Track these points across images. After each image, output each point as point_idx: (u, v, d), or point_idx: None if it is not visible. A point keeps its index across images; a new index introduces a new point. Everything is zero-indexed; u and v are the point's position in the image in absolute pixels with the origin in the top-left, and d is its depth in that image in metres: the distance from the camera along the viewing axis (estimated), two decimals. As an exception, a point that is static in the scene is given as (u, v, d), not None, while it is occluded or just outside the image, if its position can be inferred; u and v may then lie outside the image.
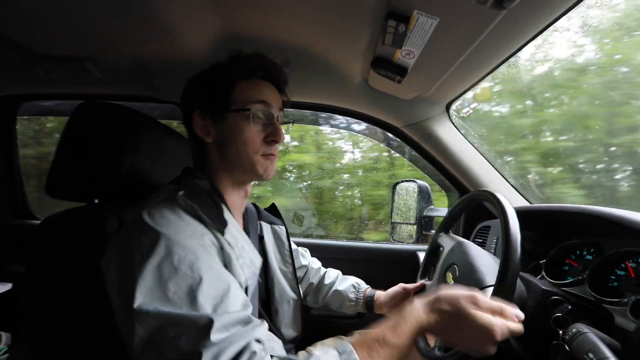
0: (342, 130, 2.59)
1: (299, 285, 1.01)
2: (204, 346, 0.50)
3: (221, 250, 0.66)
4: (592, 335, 0.56)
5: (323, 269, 1.18)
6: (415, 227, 1.44)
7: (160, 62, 1.06)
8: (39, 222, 1.59)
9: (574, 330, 0.58)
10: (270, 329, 0.69)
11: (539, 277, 0.84)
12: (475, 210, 1.35)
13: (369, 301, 1.05)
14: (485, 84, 1.06)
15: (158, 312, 0.52)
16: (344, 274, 1.18)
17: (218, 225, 0.67)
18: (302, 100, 1.33)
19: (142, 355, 0.52)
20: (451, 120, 1.27)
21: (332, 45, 1.00)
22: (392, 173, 2.47)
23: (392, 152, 2.32)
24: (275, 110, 0.79)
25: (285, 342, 0.89)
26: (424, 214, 1.44)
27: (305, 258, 1.17)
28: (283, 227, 1.01)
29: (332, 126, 1.86)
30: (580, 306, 0.67)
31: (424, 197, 1.44)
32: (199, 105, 0.77)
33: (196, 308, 0.53)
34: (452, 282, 0.83)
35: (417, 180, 1.45)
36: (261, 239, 0.95)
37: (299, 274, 1.12)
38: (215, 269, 0.60)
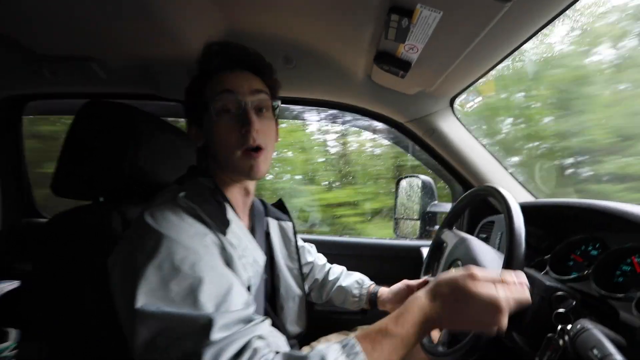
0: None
1: (305, 282, 1.01)
2: (205, 345, 0.50)
3: (223, 250, 0.66)
4: (597, 331, 0.56)
5: (328, 265, 1.18)
6: (418, 222, 1.44)
7: (164, 60, 1.06)
8: (45, 220, 1.61)
9: (578, 326, 0.58)
10: (275, 326, 0.69)
11: (543, 272, 0.83)
12: (479, 206, 1.34)
13: (373, 297, 1.05)
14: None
15: (160, 313, 0.53)
16: (348, 269, 1.18)
17: (220, 225, 0.67)
18: (304, 97, 1.33)
19: (145, 356, 0.53)
20: (455, 115, 1.26)
21: (334, 41, 1.00)
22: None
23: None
24: (245, 95, 0.73)
25: (289, 338, 0.90)
26: (428, 209, 1.44)
27: (312, 254, 1.17)
28: (290, 223, 1.01)
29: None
30: (585, 302, 0.66)
31: (428, 192, 1.43)
32: (187, 115, 0.81)
33: (198, 308, 0.53)
34: None
35: (421, 176, 1.45)
36: (268, 235, 0.95)
37: (305, 270, 1.12)
38: (217, 269, 0.60)
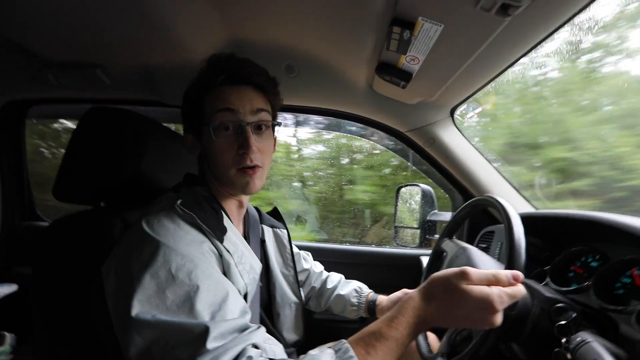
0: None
1: (301, 289, 1.01)
2: (200, 354, 0.50)
3: (220, 257, 0.66)
4: (597, 344, 0.55)
5: (325, 273, 1.18)
6: (418, 231, 1.44)
7: (167, 67, 1.07)
8: (45, 224, 1.61)
9: (578, 339, 0.58)
10: (271, 333, 0.69)
11: (543, 283, 0.83)
12: (479, 216, 1.35)
13: (371, 306, 1.05)
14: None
15: (155, 321, 0.52)
16: (346, 278, 1.17)
17: (217, 232, 0.67)
18: (306, 105, 1.34)
19: None
20: (455, 125, 1.27)
21: (337, 51, 1.01)
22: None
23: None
24: (246, 115, 0.72)
25: (287, 346, 0.89)
26: (428, 218, 1.44)
27: (307, 262, 1.17)
28: (285, 231, 1.01)
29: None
30: (585, 314, 0.66)
31: (428, 201, 1.44)
32: (184, 121, 0.80)
33: (194, 316, 0.53)
34: None
35: (421, 185, 1.45)
36: (263, 242, 0.95)
37: (301, 277, 1.12)
38: (214, 277, 0.60)
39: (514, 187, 1.29)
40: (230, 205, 0.81)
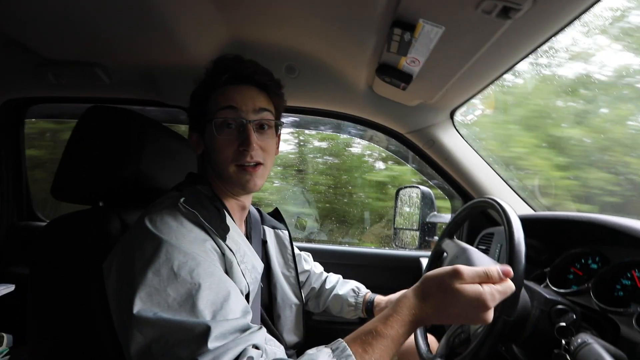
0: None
1: (302, 290, 1.00)
2: (200, 353, 0.50)
3: (223, 256, 0.66)
4: (597, 346, 0.55)
5: (325, 274, 1.17)
6: (418, 233, 1.44)
7: (167, 68, 1.07)
8: (43, 223, 1.60)
9: (579, 340, 0.58)
10: (272, 334, 0.68)
11: (542, 285, 0.83)
12: (478, 217, 1.35)
13: (369, 306, 1.05)
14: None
15: (157, 319, 0.52)
16: (346, 279, 1.17)
17: (220, 231, 0.67)
18: (306, 106, 1.34)
19: None
20: (455, 127, 1.28)
21: (337, 53, 1.01)
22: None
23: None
24: (248, 113, 0.73)
25: (287, 347, 0.89)
26: (427, 219, 1.44)
27: (308, 263, 1.17)
28: (286, 232, 1.01)
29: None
30: (585, 316, 0.66)
31: (427, 203, 1.44)
32: (190, 121, 0.81)
33: (195, 314, 0.53)
34: None
35: (420, 186, 1.45)
36: (264, 243, 0.95)
37: (302, 278, 1.11)
38: (216, 276, 0.60)
39: (513, 189, 1.30)
40: (233, 204, 0.81)
